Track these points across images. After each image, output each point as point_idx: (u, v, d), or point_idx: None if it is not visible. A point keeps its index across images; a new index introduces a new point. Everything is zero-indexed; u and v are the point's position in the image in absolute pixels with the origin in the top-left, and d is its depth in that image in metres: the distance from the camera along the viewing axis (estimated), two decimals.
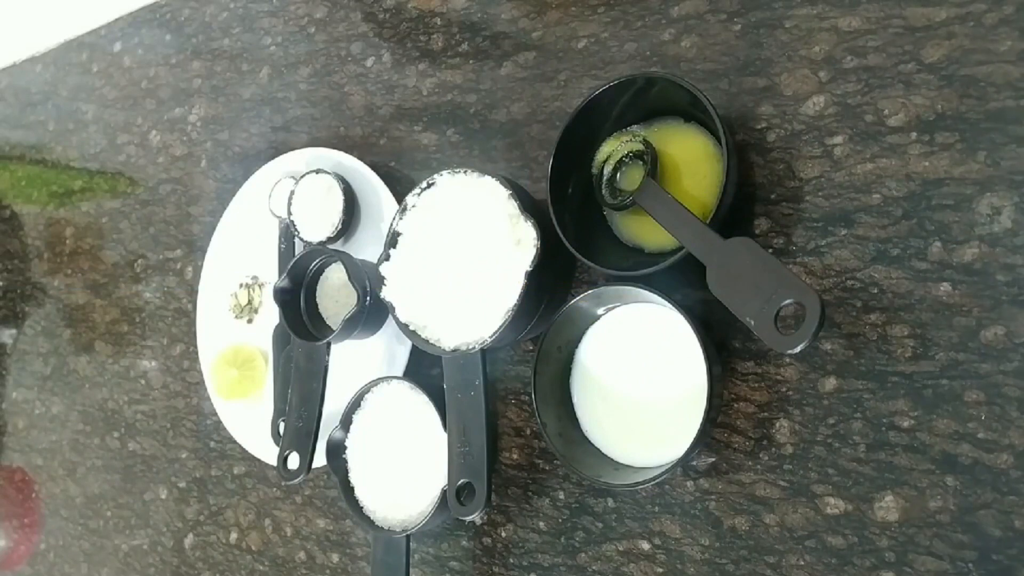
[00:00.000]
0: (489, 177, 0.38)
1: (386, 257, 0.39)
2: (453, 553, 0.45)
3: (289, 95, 0.57)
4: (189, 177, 0.63)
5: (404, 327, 0.38)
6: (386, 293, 0.39)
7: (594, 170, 0.40)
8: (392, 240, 0.40)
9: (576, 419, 0.39)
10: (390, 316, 0.39)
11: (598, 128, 0.39)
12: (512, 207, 0.37)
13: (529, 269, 0.35)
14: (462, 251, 0.37)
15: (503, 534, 0.43)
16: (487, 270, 0.36)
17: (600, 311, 0.39)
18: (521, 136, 0.46)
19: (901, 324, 0.33)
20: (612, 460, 0.38)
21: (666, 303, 0.35)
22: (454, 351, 0.37)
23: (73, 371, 0.69)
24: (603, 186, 0.39)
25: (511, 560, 0.43)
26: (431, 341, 0.38)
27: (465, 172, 0.39)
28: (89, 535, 0.65)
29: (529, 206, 0.37)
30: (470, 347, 0.36)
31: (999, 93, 0.32)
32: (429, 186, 0.40)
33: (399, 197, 0.47)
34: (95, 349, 0.68)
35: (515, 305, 0.35)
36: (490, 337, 0.35)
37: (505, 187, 0.37)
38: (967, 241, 0.32)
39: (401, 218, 0.40)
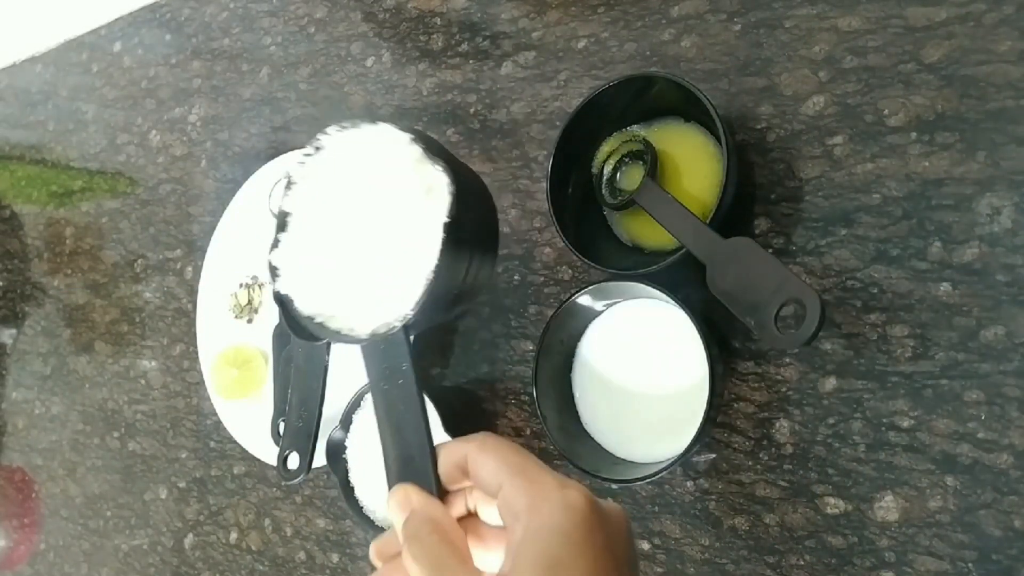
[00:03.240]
0: (383, 124, 0.32)
1: (275, 244, 0.32)
2: None
3: (289, 95, 0.57)
4: (189, 177, 0.63)
5: (308, 322, 0.32)
6: (281, 286, 0.32)
7: (594, 170, 0.40)
8: (281, 223, 0.33)
9: (576, 413, 0.39)
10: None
11: (598, 128, 0.39)
12: (415, 151, 0.30)
13: (447, 220, 0.29)
14: (364, 217, 0.31)
15: None
16: (396, 234, 0.30)
17: (602, 306, 0.39)
18: (521, 136, 0.46)
19: (901, 324, 0.33)
20: (612, 455, 0.38)
21: (669, 300, 0.35)
22: (371, 336, 0.30)
23: (73, 371, 0.69)
24: (603, 186, 0.39)
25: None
26: (343, 332, 0.31)
27: (354, 124, 0.33)
28: (89, 535, 0.65)
29: (436, 149, 0.31)
30: (390, 328, 0.29)
31: (999, 93, 0.32)
32: (316, 150, 0.33)
33: None
34: (95, 349, 0.68)
35: (436, 266, 0.28)
36: (411, 310, 0.29)
37: (403, 131, 0.31)
38: (967, 241, 0.32)
39: (287, 194, 0.33)
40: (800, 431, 0.35)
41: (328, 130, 0.33)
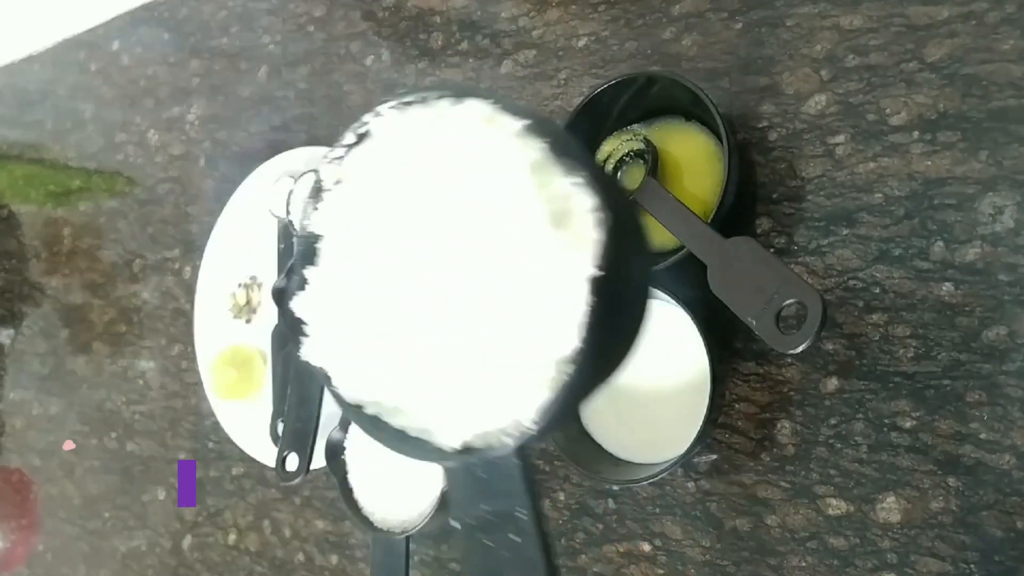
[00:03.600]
0: (475, 101, 0.20)
1: (299, 285, 0.21)
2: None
3: (288, 94, 0.57)
4: (187, 176, 0.63)
5: (355, 413, 0.21)
6: (311, 352, 0.21)
7: None
8: (307, 251, 0.21)
9: (577, 414, 0.38)
10: None
11: (599, 127, 0.39)
12: (534, 150, 0.19)
13: (596, 272, 0.17)
14: (447, 255, 0.19)
15: None
16: (503, 287, 0.18)
17: None
18: None
19: (903, 324, 0.33)
20: (612, 456, 0.37)
21: (670, 300, 0.35)
22: (462, 453, 0.19)
23: (71, 371, 0.69)
24: None
25: None
26: (412, 435, 0.20)
27: (424, 100, 0.20)
28: (87, 536, 0.65)
29: (570, 147, 0.19)
30: (496, 444, 0.18)
31: (1001, 92, 0.32)
32: (360, 139, 0.21)
33: None
34: (93, 349, 0.67)
35: (578, 349, 0.17)
36: (535, 420, 0.18)
37: (515, 116, 0.19)
38: (969, 241, 0.32)
39: (314, 207, 0.21)
40: (802, 432, 0.35)
41: (380, 109, 0.20)
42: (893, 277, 0.33)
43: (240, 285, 0.56)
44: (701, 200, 0.36)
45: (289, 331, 0.28)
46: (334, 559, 0.50)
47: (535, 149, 0.18)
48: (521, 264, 0.18)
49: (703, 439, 0.34)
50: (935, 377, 0.32)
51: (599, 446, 0.38)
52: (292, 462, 0.45)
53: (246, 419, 0.53)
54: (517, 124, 0.19)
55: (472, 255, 0.19)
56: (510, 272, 0.18)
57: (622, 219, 0.18)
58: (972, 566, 0.31)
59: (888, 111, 0.34)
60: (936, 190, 0.33)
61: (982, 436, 0.31)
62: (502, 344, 0.18)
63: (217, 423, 0.55)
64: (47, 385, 0.71)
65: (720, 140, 0.35)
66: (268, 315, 0.53)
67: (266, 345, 0.52)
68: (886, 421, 0.33)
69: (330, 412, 0.45)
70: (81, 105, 0.73)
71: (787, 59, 0.37)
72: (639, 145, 0.38)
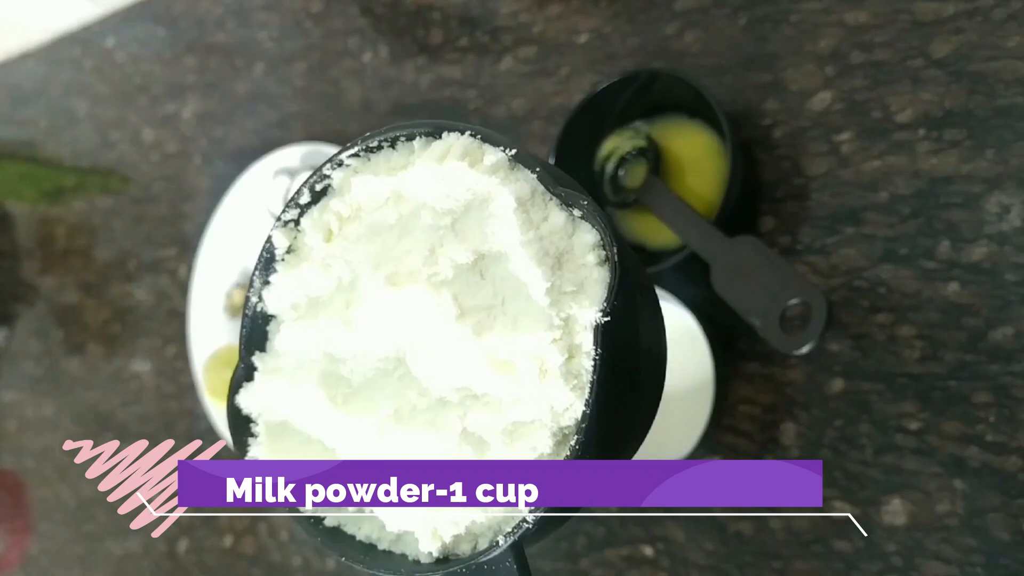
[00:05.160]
0: (450, 135, 0.18)
1: (246, 375, 0.19)
2: None
3: (284, 91, 0.56)
4: (182, 174, 0.62)
5: (310, 526, 0.18)
6: (257, 455, 0.19)
7: (596, 167, 0.39)
8: (256, 334, 0.19)
9: None
10: None
11: (600, 124, 0.39)
12: (525, 183, 0.16)
13: (600, 316, 0.15)
14: (420, 323, 0.16)
15: None
16: (486, 351, 0.16)
17: None
18: (522, 133, 0.45)
19: (909, 324, 0.33)
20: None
21: (673, 300, 0.34)
22: (447, 563, 0.16)
23: (65, 372, 0.68)
24: (606, 183, 0.39)
25: None
26: (382, 547, 0.17)
27: (392, 142, 0.18)
28: (82, 539, 0.65)
29: (561, 177, 0.17)
30: (485, 546, 0.15)
31: (1008, 89, 0.32)
32: (316, 197, 0.18)
33: None
34: (87, 350, 0.67)
35: (584, 415, 0.15)
36: (531, 507, 0.15)
37: (498, 146, 0.17)
38: (976, 240, 0.32)
39: (266, 281, 0.19)
40: (806, 434, 0.34)
41: (342, 156, 0.18)
42: (899, 276, 0.33)
43: (236, 285, 0.55)
44: (704, 198, 0.36)
45: (232, 431, 0.21)
46: (331, 564, 0.50)
47: (524, 181, 0.16)
48: (512, 320, 0.15)
49: (707, 441, 0.33)
50: (941, 378, 0.32)
51: None
52: None
53: None
54: (501, 155, 0.16)
55: (455, 322, 0.15)
56: (500, 336, 0.15)
57: (626, 255, 0.15)
58: (978, 569, 0.31)
59: (894, 108, 0.34)
60: (942, 188, 0.33)
61: (988, 438, 0.31)
62: (492, 418, 0.15)
63: (212, 425, 0.54)
64: (41, 386, 0.70)
65: (723, 138, 0.34)
66: None
67: None
68: (891, 423, 0.33)
69: None
70: (75, 102, 0.72)
71: (791, 56, 0.37)
72: (641, 143, 0.37)
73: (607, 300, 0.14)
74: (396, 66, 0.51)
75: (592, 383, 0.14)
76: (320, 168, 0.18)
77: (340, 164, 0.18)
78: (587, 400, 0.14)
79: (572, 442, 0.14)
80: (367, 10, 0.53)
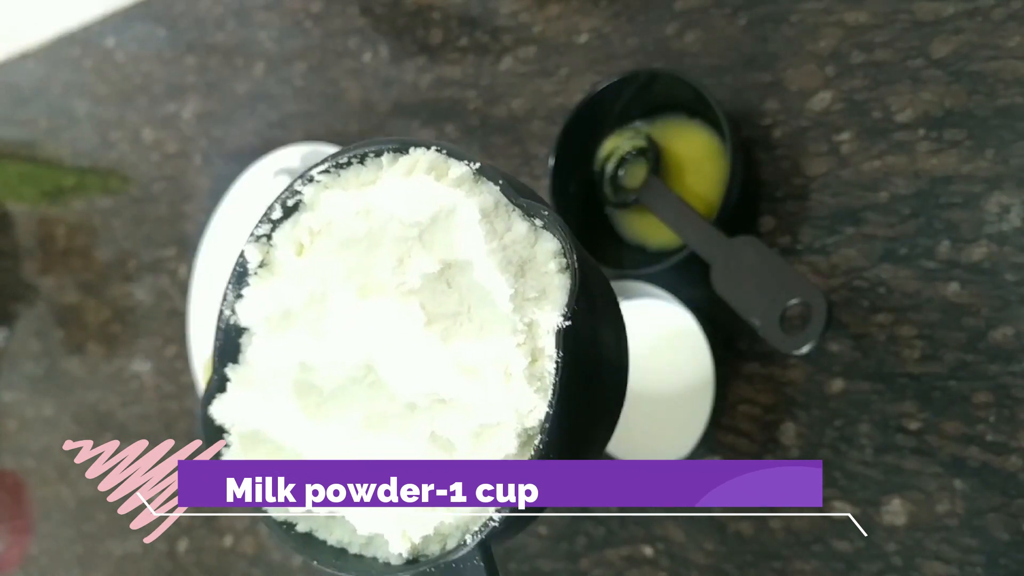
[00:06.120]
0: (417, 151, 0.17)
1: (219, 386, 0.19)
2: None
3: (285, 91, 0.56)
4: (182, 174, 0.62)
5: (281, 533, 0.19)
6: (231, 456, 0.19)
7: (596, 167, 0.39)
8: (229, 346, 0.19)
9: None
10: None
11: (600, 124, 0.39)
12: (489, 195, 0.17)
13: (561, 320, 0.15)
14: (388, 332, 0.17)
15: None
16: (451, 356, 0.16)
17: None
18: (521, 133, 0.45)
19: (909, 324, 0.33)
20: (614, 458, 0.37)
21: (672, 300, 0.34)
22: (416, 564, 0.16)
23: (65, 372, 0.68)
24: (606, 184, 0.39)
25: (511, 565, 0.42)
26: (351, 550, 0.17)
27: (361, 158, 0.18)
28: (82, 539, 0.64)
29: (524, 189, 0.18)
30: (453, 546, 0.16)
31: (1008, 89, 0.32)
32: (288, 213, 0.19)
33: None
34: (87, 350, 0.67)
35: (547, 415, 0.15)
36: (497, 509, 0.15)
37: (463, 160, 0.17)
38: (976, 240, 0.32)
39: (239, 294, 0.19)
40: (806, 434, 0.34)
41: (313, 172, 0.18)
42: (899, 277, 0.33)
43: None
44: (704, 199, 0.36)
45: (205, 441, 0.20)
46: None
47: (488, 193, 0.17)
48: (478, 326, 0.16)
49: (707, 441, 0.33)
50: (941, 378, 0.32)
51: None
52: None
53: None
54: (466, 169, 0.17)
55: (423, 329, 0.16)
56: (466, 342, 0.16)
57: (586, 263, 0.16)
58: (978, 569, 0.31)
59: (894, 108, 0.34)
60: (942, 188, 0.33)
61: (988, 438, 0.31)
62: (459, 421, 0.16)
63: None
64: (41, 386, 0.70)
65: (723, 138, 0.34)
66: None
67: None
68: (892, 423, 0.33)
69: None
70: (75, 102, 0.72)
71: (791, 55, 0.37)
72: (641, 143, 0.37)
73: (568, 304, 0.15)
74: (396, 66, 0.51)
75: (555, 385, 0.15)
76: (291, 184, 0.19)
77: (311, 180, 0.19)
78: (550, 401, 0.15)
79: (536, 442, 0.15)
80: (367, 10, 0.53)
